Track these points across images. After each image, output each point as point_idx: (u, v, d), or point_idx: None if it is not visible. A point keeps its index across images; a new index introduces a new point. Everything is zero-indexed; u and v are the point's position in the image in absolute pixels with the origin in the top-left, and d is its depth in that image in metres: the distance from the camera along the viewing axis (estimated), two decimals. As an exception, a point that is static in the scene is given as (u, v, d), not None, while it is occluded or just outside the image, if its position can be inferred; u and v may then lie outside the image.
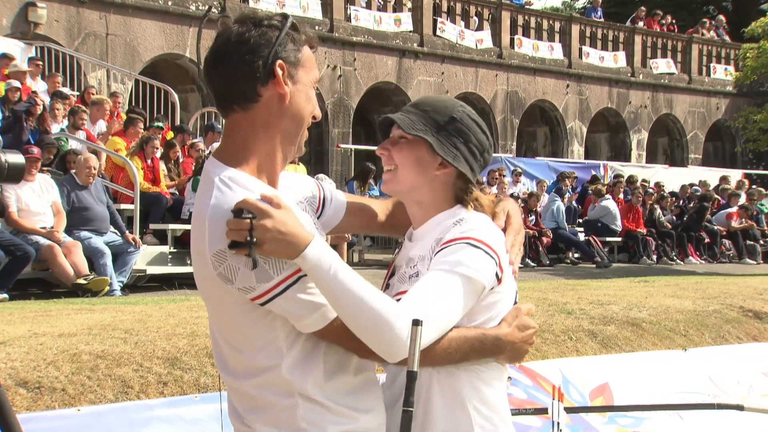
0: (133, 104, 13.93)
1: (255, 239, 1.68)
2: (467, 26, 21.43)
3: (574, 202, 15.91)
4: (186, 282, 9.23)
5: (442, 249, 1.91)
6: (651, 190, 17.46)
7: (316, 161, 18.92)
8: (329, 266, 1.73)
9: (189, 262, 9.91)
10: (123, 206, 9.78)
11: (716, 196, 17.98)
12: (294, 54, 1.84)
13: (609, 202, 15.55)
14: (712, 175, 20.90)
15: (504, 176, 15.84)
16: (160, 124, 11.88)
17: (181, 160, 11.24)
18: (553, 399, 3.17)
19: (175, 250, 9.82)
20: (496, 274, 1.92)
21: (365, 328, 1.76)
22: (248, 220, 1.68)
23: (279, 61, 1.81)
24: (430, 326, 1.80)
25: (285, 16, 1.85)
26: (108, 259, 8.49)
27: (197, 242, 1.77)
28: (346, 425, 1.82)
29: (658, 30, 25.83)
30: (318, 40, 1.93)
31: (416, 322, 1.72)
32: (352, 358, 1.87)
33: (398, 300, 1.84)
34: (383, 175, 2.06)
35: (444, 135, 2.00)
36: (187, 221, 10.04)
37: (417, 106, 2.05)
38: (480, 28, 21.78)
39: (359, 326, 1.76)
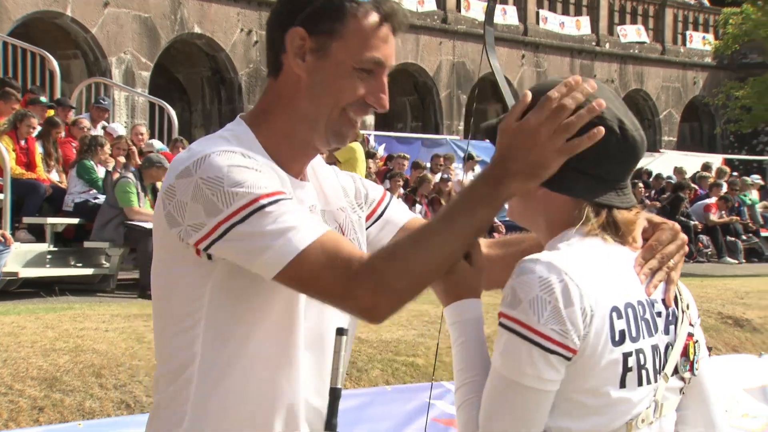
0: (1, 73, 13.58)
1: None
2: (407, -16, 21.55)
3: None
4: (69, 287, 9.08)
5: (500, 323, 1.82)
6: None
7: (227, 143, 18.78)
8: (457, 336, 1.91)
9: (72, 263, 9.75)
10: (-10, 196, 9.56)
11: (693, 185, 18.42)
12: (330, 23, 1.82)
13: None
14: (688, 161, 21.36)
15: (452, 163, 15.89)
16: (43, 98, 11.62)
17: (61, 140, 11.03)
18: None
19: (55, 249, 9.65)
20: (550, 351, 1.75)
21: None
22: None
23: (295, 29, 1.82)
24: None
25: None
26: (-29, 261, 8.30)
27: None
28: None
29: (628, -8, 26.38)
30: (401, 21, 1.87)
31: (340, 331, 1.74)
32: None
33: None
34: None
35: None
36: (72, 214, 9.88)
37: None
38: (422, -14, 21.91)
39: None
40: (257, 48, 18.86)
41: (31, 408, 4.04)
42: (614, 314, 1.77)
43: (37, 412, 4.04)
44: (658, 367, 1.86)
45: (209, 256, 1.79)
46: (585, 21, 25.01)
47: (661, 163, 21.41)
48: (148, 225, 9.48)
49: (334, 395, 1.72)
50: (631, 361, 1.80)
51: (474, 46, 22.69)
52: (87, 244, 9.72)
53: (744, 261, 16.96)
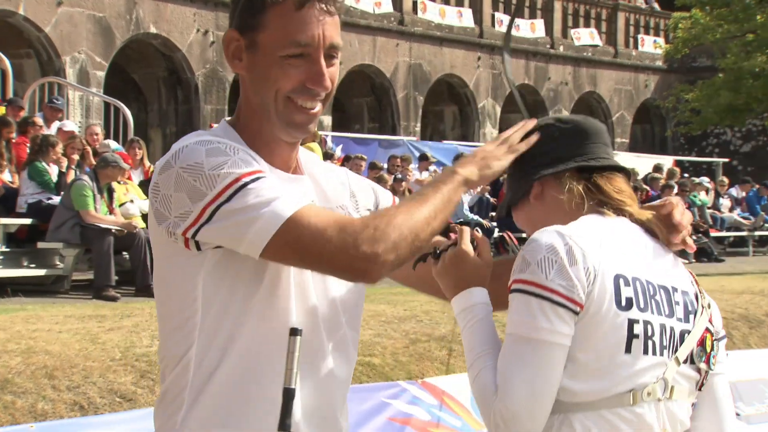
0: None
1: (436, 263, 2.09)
2: (363, -14, 21.53)
3: (487, 194, 16.20)
4: (22, 288, 8.96)
5: (510, 292, 1.96)
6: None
7: (183, 143, 18.62)
8: (465, 323, 2.00)
9: (26, 263, 9.61)
10: (-60, 196, 9.40)
11: (645, 186, 18.64)
12: (253, 17, 1.87)
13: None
14: (640, 163, 21.62)
15: (409, 164, 15.90)
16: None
17: (13, 141, 10.84)
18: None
19: (7, 250, 9.51)
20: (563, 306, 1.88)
21: (474, 393, 1.97)
22: (437, 248, 2.10)
23: (228, 32, 1.92)
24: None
25: None
26: None
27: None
28: None
29: (581, -4, 26.60)
30: None
31: (294, 332, 1.73)
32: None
33: None
34: None
35: (513, 177, 2.15)
36: (24, 215, 9.73)
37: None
38: (378, -12, 21.91)
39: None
40: (214, 48, 18.73)
41: (-19, 411, 3.96)
42: (621, 281, 1.91)
43: (-12, 414, 3.97)
44: (667, 345, 1.95)
45: (198, 246, 1.82)
46: (539, 24, 25.20)
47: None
48: (104, 225, 9.39)
49: (288, 395, 1.71)
50: (638, 329, 1.90)
51: (430, 47, 22.75)
52: (41, 245, 9.58)
53: (694, 260, 17.19)
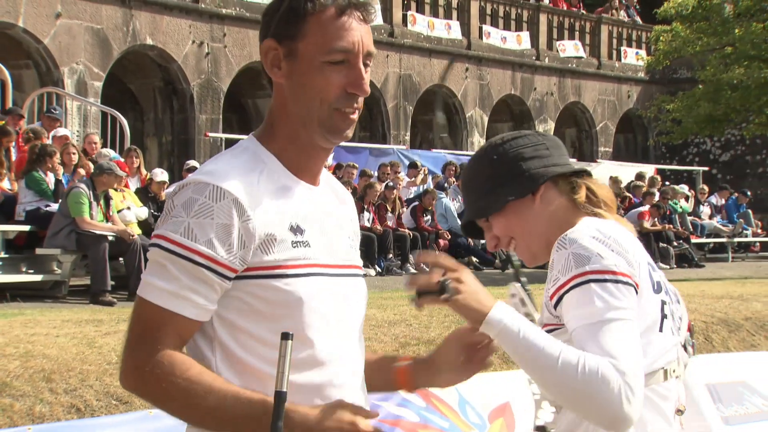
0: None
1: (449, 294, 1.88)
2: (354, -1, 21.53)
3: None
4: (20, 293, 8.93)
5: (565, 293, 1.93)
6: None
7: (180, 152, 18.59)
8: (518, 329, 1.86)
9: (24, 269, 9.58)
10: (-59, 204, 9.37)
11: (627, 193, 18.68)
12: (292, 26, 1.86)
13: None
14: (623, 171, 21.66)
15: (398, 172, 15.85)
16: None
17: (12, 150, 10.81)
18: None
19: (6, 256, 9.49)
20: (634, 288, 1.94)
21: (577, 391, 1.80)
22: (439, 279, 1.88)
23: (266, 41, 1.90)
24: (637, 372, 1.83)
25: None
26: None
27: None
28: None
29: (565, 9, 26.66)
30: (360, 2, 1.90)
31: (285, 336, 1.72)
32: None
33: None
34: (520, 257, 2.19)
35: (506, 177, 2.11)
36: (23, 222, 9.70)
37: (467, 184, 2.22)
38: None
39: (568, 392, 1.81)
40: (209, 59, 18.72)
41: (-20, 413, 3.94)
42: (650, 267, 2.02)
43: (-13, 417, 3.94)
44: (678, 327, 2.07)
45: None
46: (525, 36, 25.26)
47: (598, 172, 21.59)
48: (100, 232, 9.36)
49: (279, 398, 1.70)
50: (667, 310, 2.02)
51: (419, 59, 22.78)
52: (39, 251, 9.56)
53: (675, 266, 17.25)
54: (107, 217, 9.75)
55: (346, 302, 1.94)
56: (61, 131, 12.08)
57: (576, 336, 1.88)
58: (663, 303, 2.01)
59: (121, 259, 9.71)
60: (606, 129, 27.38)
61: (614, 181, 19.74)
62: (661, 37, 19.26)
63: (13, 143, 10.79)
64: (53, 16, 16.25)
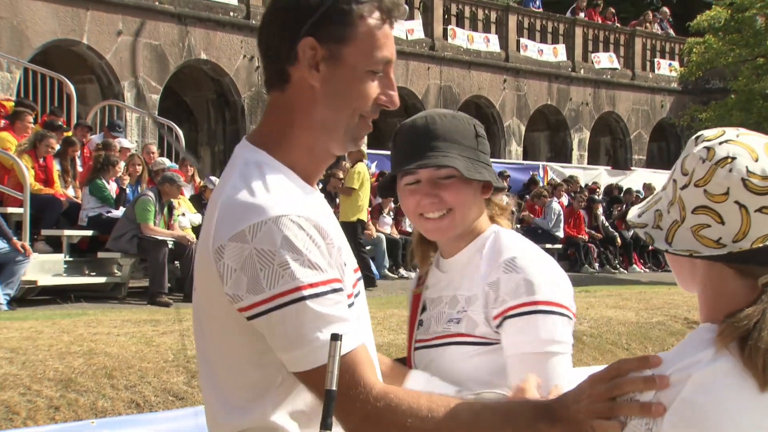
0: (22, 95, 13.56)
1: None
2: (397, 15, 21.53)
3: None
4: (84, 294, 9.05)
5: (510, 317, 1.88)
6: (596, 197, 17.84)
7: (230, 161, 18.73)
8: None
9: (87, 271, 9.73)
10: (10, 210, 9.53)
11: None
12: (339, 29, 1.64)
13: (555, 205, 15.81)
14: (656, 178, 21.43)
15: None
16: (60, 123, 11.59)
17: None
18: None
19: (71, 259, 9.63)
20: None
21: None
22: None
23: (306, 39, 1.64)
24: None
25: None
26: (-8, 270, 8.26)
27: (204, 229, 1.65)
28: None
29: (600, 22, 26.45)
30: (403, 10, 1.70)
31: (335, 337, 1.71)
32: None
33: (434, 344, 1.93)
34: (427, 224, 2.01)
35: (486, 160, 2.03)
36: (86, 227, 9.86)
37: (445, 137, 2.02)
38: (410, 17, 21.95)
39: None
40: (259, 73, 18.85)
41: (47, 407, 4.02)
42: None
43: (54, 411, 4.02)
44: None
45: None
46: (561, 49, 25.10)
47: (632, 179, 21.45)
48: (161, 237, 9.50)
49: (330, 396, 1.70)
50: None
51: (459, 71, 22.75)
52: (101, 255, 9.71)
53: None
54: (169, 225, 9.90)
55: (367, 316, 1.82)
56: (125, 142, 12.27)
57: (514, 361, 1.87)
58: None
59: (177, 262, 9.83)
60: (640, 138, 27.09)
61: (648, 187, 19.56)
62: (694, 49, 19.04)
63: (78, 153, 10.98)
64: (114, 33, 16.50)
